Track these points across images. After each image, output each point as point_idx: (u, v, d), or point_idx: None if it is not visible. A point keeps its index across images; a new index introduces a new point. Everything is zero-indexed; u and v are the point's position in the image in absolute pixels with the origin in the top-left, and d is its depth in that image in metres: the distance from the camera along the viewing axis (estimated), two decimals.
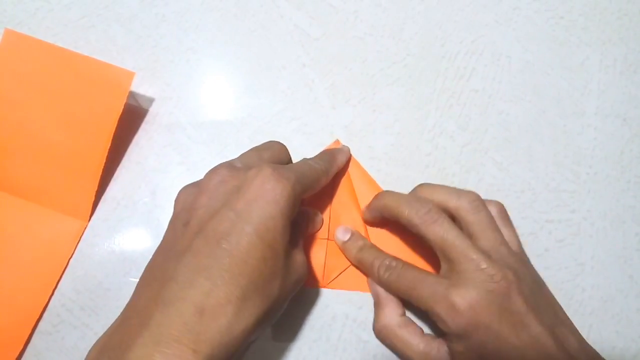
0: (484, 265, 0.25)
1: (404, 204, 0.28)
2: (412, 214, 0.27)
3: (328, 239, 0.32)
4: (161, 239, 0.25)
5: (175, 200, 0.26)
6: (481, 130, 0.35)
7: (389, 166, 0.34)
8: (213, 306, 0.20)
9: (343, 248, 0.31)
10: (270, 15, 0.37)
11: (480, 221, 0.28)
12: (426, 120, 0.35)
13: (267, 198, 0.23)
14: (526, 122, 0.36)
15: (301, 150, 0.34)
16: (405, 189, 0.33)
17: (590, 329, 0.32)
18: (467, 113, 0.36)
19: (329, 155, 0.31)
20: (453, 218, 0.28)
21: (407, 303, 0.29)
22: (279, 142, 0.30)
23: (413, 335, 0.28)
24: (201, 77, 0.36)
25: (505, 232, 0.29)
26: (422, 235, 0.27)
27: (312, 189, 0.27)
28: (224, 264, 0.21)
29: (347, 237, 0.31)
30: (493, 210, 0.30)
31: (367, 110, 0.35)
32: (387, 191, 0.31)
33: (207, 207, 0.23)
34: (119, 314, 0.22)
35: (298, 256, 0.25)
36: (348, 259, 0.31)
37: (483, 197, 0.34)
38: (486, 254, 0.26)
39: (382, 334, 0.29)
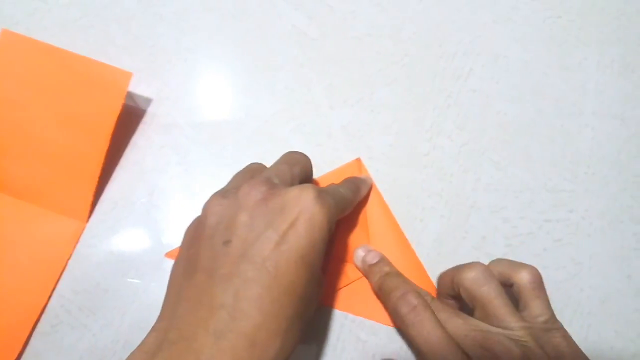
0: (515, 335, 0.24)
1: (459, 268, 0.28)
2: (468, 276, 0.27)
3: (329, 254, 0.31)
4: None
5: (206, 210, 0.24)
6: (479, 130, 0.35)
7: (387, 166, 0.34)
8: (263, 339, 0.20)
9: (365, 272, 0.30)
10: (268, 15, 0.37)
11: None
12: (424, 121, 0.35)
13: (312, 223, 0.22)
14: (524, 122, 0.36)
15: (299, 150, 0.34)
16: (402, 189, 0.33)
17: (589, 328, 0.32)
18: (465, 113, 0.36)
19: (354, 185, 0.30)
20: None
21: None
22: (305, 156, 0.28)
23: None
24: (199, 77, 0.36)
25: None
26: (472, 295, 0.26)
27: (344, 213, 0.27)
28: (274, 295, 0.20)
29: (375, 260, 0.30)
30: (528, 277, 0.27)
31: (365, 111, 0.35)
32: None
33: (249, 227, 0.22)
34: (151, 327, 0.22)
35: (322, 279, 0.25)
36: (371, 284, 0.30)
37: (481, 196, 0.34)
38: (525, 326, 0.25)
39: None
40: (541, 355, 0.23)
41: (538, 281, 0.27)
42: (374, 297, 0.30)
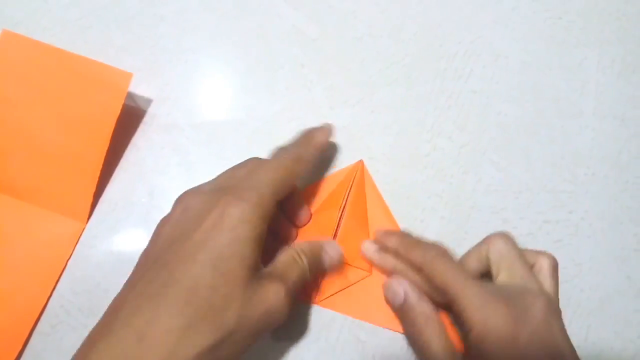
0: (531, 285, 0.27)
1: (416, 246, 0.29)
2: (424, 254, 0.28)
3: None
4: None
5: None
6: (479, 131, 0.35)
7: (387, 167, 0.34)
8: (153, 334, 0.20)
9: (382, 237, 0.30)
10: (268, 15, 0.37)
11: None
12: (424, 121, 0.35)
13: (224, 225, 0.22)
14: (524, 122, 0.36)
15: None
16: (403, 189, 0.33)
17: (589, 329, 0.32)
18: (466, 113, 0.36)
19: (302, 138, 0.30)
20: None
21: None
22: (255, 159, 0.28)
23: (446, 332, 0.28)
24: (199, 77, 0.36)
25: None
26: (433, 275, 0.27)
27: (287, 187, 0.26)
28: (170, 292, 0.21)
29: (383, 231, 0.31)
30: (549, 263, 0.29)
31: (365, 111, 0.35)
32: (396, 233, 0.31)
33: (166, 238, 0.24)
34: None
35: (271, 287, 0.23)
36: (385, 248, 0.30)
37: (481, 197, 0.34)
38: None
39: (426, 315, 0.28)
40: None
41: (556, 266, 0.29)
42: (373, 299, 0.30)
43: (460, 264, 0.28)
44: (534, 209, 0.34)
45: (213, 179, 0.27)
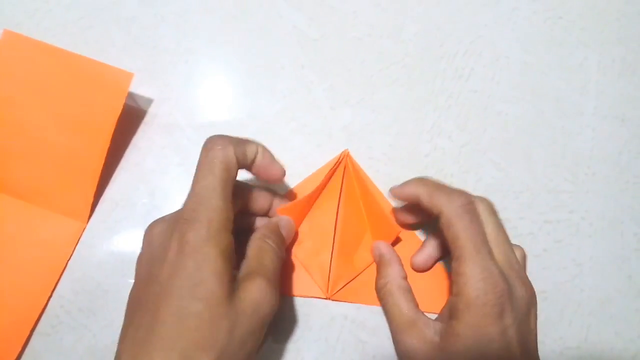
0: (518, 269, 0.26)
1: (441, 191, 0.27)
2: (448, 202, 0.26)
3: (334, 248, 0.31)
4: None
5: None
6: (480, 131, 0.35)
7: (387, 167, 0.34)
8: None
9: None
10: (269, 16, 0.37)
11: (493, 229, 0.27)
12: (425, 121, 0.35)
13: (186, 252, 0.22)
14: (525, 122, 0.36)
15: (300, 150, 0.34)
16: None
17: (589, 329, 0.32)
18: (466, 114, 0.36)
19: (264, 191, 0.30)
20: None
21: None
22: (216, 152, 0.26)
23: (407, 301, 0.28)
24: (200, 78, 0.36)
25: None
26: (450, 225, 0.26)
27: (230, 183, 0.25)
28: (158, 335, 0.21)
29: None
30: (484, 207, 0.28)
31: (365, 111, 0.35)
32: (418, 178, 0.30)
33: (142, 277, 0.24)
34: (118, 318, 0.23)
35: (251, 285, 0.24)
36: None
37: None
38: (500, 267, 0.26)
39: (382, 292, 0.29)
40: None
41: (525, 258, 0.29)
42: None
43: (480, 225, 0.26)
44: (535, 208, 0.34)
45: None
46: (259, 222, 0.31)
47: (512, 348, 0.24)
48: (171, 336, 0.21)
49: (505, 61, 0.37)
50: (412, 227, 0.32)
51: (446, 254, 0.31)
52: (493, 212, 0.27)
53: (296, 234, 0.31)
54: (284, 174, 0.28)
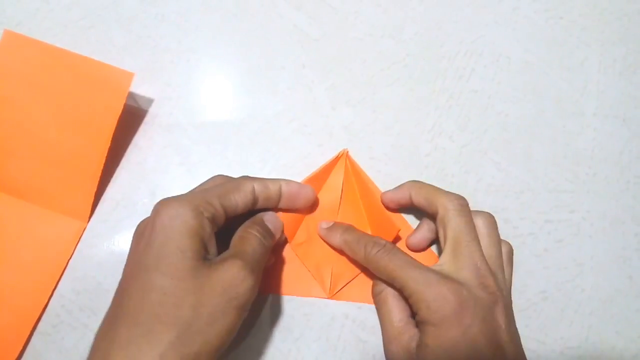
0: (483, 272, 0.27)
1: (439, 192, 0.29)
2: (445, 202, 0.28)
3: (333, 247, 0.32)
4: None
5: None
6: (480, 131, 0.35)
7: (388, 166, 0.34)
8: (115, 351, 0.21)
9: (326, 236, 0.31)
10: (269, 15, 0.37)
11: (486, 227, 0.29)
12: (425, 121, 0.35)
13: (157, 227, 0.24)
14: (525, 122, 0.36)
15: (301, 150, 0.34)
16: None
17: (590, 329, 0.32)
18: (467, 113, 0.36)
19: (272, 181, 0.29)
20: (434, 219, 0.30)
21: None
22: (219, 176, 0.29)
23: (399, 311, 0.28)
24: (201, 77, 0.36)
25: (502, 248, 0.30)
26: (445, 222, 0.28)
27: (229, 197, 0.26)
28: (124, 307, 0.23)
29: (328, 225, 0.31)
30: (483, 221, 0.30)
31: (366, 111, 0.35)
32: (413, 181, 0.32)
33: (126, 265, 0.25)
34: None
35: (226, 264, 0.24)
36: (332, 245, 0.31)
37: (482, 197, 0.34)
38: (487, 264, 0.27)
39: (377, 299, 0.30)
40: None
41: (512, 253, 0.31)
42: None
43: (404, 254, 0.28)
44: (535, 208, 0.34)
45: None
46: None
47: (478, 346, 0.25)
48: (136, 310, 0.22)
49: (506, 61, 0.37)
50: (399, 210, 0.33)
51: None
52: (467, 213, 0.29)
53: (296, 233, 0.31)
54: (314, 193, 0.30)
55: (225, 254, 0.25)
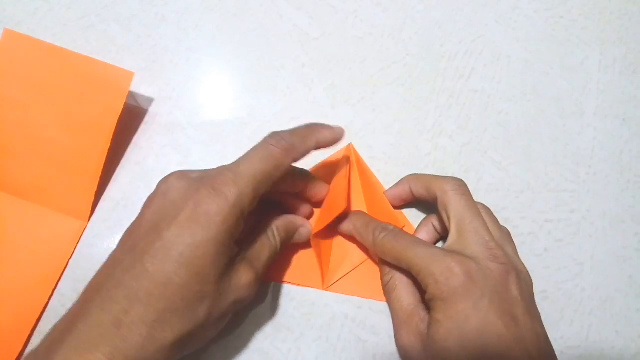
0: (492, 244, 0.26)
1: (436, 177, 0.30)
2: (443, 184, 0.29)
3: (332, 239, 0.32)
4: None
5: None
6: (480, 130, 0.35)
7: (388, 166, 0.34)
8: (129, 323, 0.21)
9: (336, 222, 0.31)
10: (269, 14, 0.37)
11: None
12: (426, 120, 0.35)
13: (199, 221, 0.22)
14: (525, 121, 0.36)
15: None
16: None
17: (590, 328, 0.32)
18: (467, 113, 0.36)
19: (304, 129, 0.28)
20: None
21: None
22: (266, 148, 0.26)
23: (409, 295, 0.28)
24: (200, 77, 0.36)
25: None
26: (445, 204, 0.28)
27: (271, 180, 0.25)
28: (144, 286, 0.22)
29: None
30: (481, 207, 0.30)
31: (366, 110, 0.35)
32: (411, 174, 0.32)
33: (147, 222, 0.24)
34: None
35: (243, 276, 0.24)
36: (341, 232, 0.31)
37: (482, 196, 0.34)
38: (494, 237, 0.27)
39: (387, 288, 0.30)
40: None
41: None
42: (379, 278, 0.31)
43: (411, 235, 0.28)
44: (536, 208, 0.34)
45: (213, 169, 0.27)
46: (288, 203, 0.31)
47: (490, 319, 0.24)
48: (156, 293, 0.22)
49: (506, 60, 0.37)
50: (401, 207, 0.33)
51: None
52: (466, 192, 0.29)
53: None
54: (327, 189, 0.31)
55: (246, 255, 0.25)
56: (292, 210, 0.31)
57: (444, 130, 0.35)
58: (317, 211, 0.32)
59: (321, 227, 0.29)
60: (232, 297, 0.24)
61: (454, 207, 0.28)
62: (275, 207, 0.30)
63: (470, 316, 0.24)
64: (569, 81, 0.37)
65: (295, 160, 0.26)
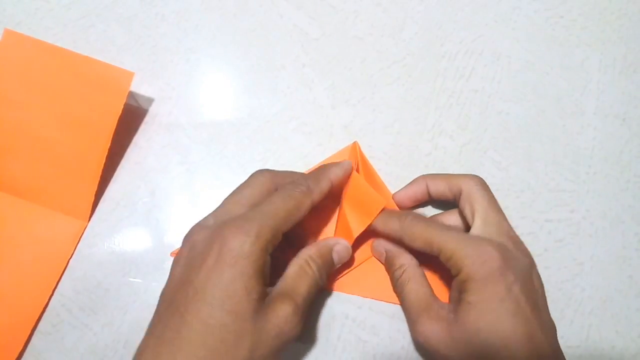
0: (516, 238, 0.28)
1: (457, 175, 0.30)
2: (467, 180, 0.29)
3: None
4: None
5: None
6: (480, 130, 0.35)
7: (388, 166, 0.34)
8: None
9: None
10: (269, 15, 0.37)
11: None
12: (426, 120, 0.35)
13: (225, 261, 0.23)
14: (526, 121, 0.36)
15: (300, 150, 0.34)
16: None
17: (590, 328, 0.32)
18: (467, 113, 0.36)
19: (320, 172, 0.29)
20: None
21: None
22: (261, 174, 0.28)
23: (424, 286, 0.29)
24: (201, 77, 0.36)
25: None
26: (471, 199, 0.28)
27: (292, 219, 0.26)
28: (184, 336, 0.22)
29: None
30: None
31: (366, 110, 0.35)
32: (423, 174, 0.32)
33: (177, 278, 0.24)
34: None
35: (279, 308, 0.24)
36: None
37: None
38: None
39: (399, 282, 0.29)
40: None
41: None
42: (381, 277, 0.31)
43: (438, 221, 0.29)
44: (536, 208, 0.34)
45: (219, 207, 0.27)
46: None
47: (521, 304, 0.25)
48: (196, 342, 0.22)
49: (506, 60, 0.37)
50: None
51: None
52: (489, 188, 0.29)
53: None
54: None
55: (281, 289, 0.25)
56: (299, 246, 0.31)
57: (444, 130, 0.35)
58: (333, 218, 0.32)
59: (360, 231, 0.29)
60: (272, 331, 0.23)
61: (479, 200, 0.28)
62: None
63: (504, 299, 0.25)
64: (569, 81, 0.37)
65: (314, 203, 0.27)
